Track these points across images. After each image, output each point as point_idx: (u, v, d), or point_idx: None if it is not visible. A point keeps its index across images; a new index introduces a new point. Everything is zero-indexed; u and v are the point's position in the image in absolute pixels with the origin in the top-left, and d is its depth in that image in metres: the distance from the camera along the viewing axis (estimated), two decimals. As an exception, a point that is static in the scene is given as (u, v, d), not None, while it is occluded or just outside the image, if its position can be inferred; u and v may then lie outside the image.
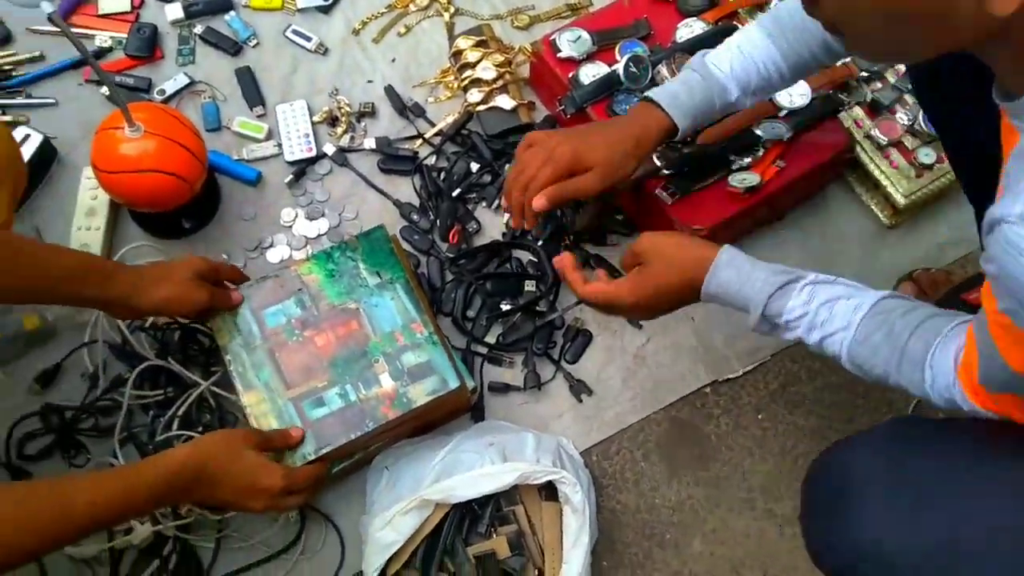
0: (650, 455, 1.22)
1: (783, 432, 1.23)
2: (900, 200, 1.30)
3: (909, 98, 1.33)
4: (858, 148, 1.32)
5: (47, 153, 1.28)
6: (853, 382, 1.26)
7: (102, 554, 1.09)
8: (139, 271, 1.02)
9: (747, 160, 1.23)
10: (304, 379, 1.07)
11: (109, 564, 1.09)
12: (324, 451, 1.03)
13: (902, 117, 1.32)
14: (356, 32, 1.42)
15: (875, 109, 1.33)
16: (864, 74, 1.34)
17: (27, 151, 1.24)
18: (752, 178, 1.21)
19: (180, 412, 1.11)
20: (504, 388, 1.22)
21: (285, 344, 1.08)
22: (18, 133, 1.25)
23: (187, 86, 1.35)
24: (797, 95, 1.28)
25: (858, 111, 1.33)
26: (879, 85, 1.35)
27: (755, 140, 1.25)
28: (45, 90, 1.34)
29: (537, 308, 1.25)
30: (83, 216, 1.25)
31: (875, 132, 1.31)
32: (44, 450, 1.15)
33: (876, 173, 1.32)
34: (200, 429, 1.11)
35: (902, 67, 1.35)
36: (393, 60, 1.40)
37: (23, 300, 0.95)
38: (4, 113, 1.32)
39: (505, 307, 1.24)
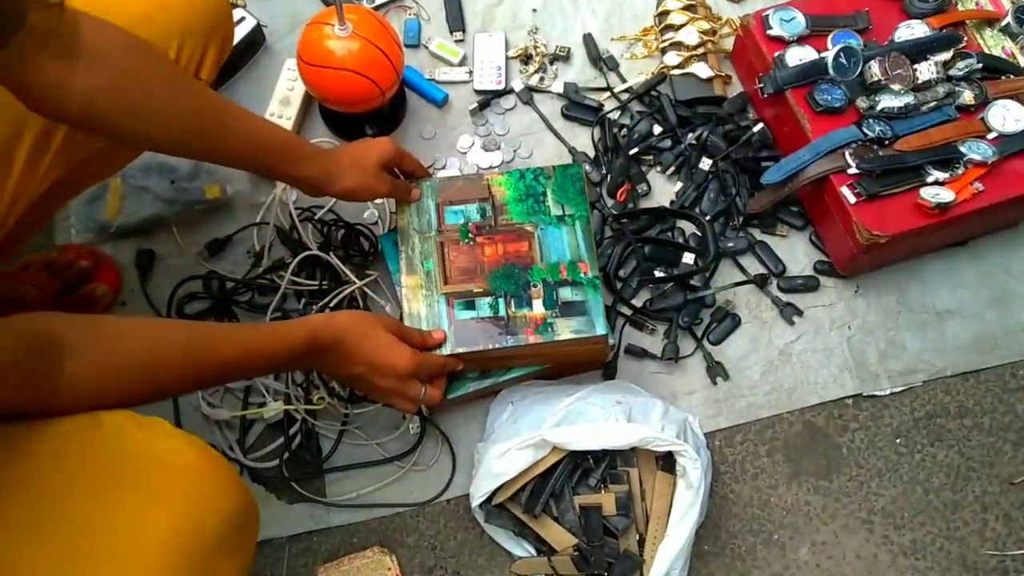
0: (775, 453, 1.18)
1: (919, 462, 1.18)
2: (1102, 251, 1.21)
3: None
4: (1067, 187, 1.23)
5: (257, 37, 1.34)
6: (1005, 428, 1.19)
7: (233, 420, 1.15)
8: (333, 157, 1.04)
9: (944, 175, 1.17)
10: (463, 279, 1.09)
11: (239, 430, 1.15)
12: (459, 351, 1.05)
13: (1123, 164, 1.22)
14: (567, -26, 1.42)
15: (1095, 151, 1.24)
16: (1092, 112, 1.24)
17: (240, 32, 1.30)
18: (946, 195, 1.15)
19: (331, 305, 1.15)
20: (641, 353, 1.21)
21: (456, 243, 1.10)
22: (234, 14, 1.31)
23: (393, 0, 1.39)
24: (1012, 119, 1.20)
25: (1076, 148, 1.24)
26: (1105, 126, 1.25)
27: (957, 156, 1.18)
28: (266, -21, 1.40)
29: (691, 282, 1.23)
30: (277, 104, 1.30)
31: (1090, 174, 1.22)
32: (201, 313, 1.21)
33: (1081, 218, 1.23)
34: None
35: None
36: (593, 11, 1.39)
37: (222, 161, 0.98)
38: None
39: (659, 274, 1.23)
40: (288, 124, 1.29)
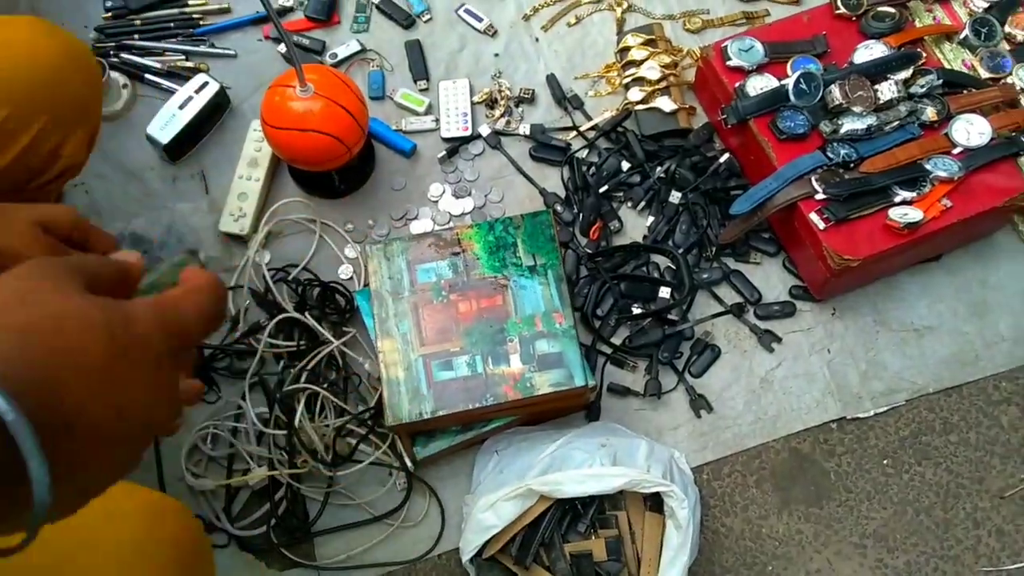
0: (763, 483, 1.18)
1: (908, 482, 1.18)
2: (1074, 258, 1.22)
3: (1099, 150, 1.24)
4: (1035, 197, 1.23)
5: (222, 101, 1.34)
6: (991, 442, 1.20)
7: (219, 489, 1.15)
8: None
9: (911, 195, 1.18)
10: (439, 340, 1.09)
11: (225, 499, 1.14)
12: (440, 413, 1.05)
13: (1090, 168, 1.23)
14: (527, 18, 1.42)
15: (1061, 157, 1.24)
16: (1053, 119, 1.25)
17: (203, 98, 1.31)
18: (915, 214, 1.15)
19: (309, 366, 1.15)
20: (623, 391, 1.21)
21: (430, 302, 1.11)
22: (197, 80, 1.32)
23: (358, 53, 1.39)
24: (976, 133, 1.21)
25: (1040, 157, 1.25)
26: (1069, 132, 1.26)
27: (923, 174, 1.19)
28: (227, 42, 1.41)
29: (669, 316, 1.23)
30: (246, 166, 1.31)
31: (1056, 182, 1.23)
32: (181, 381, 1.20)
33: (1051, 226, 1.24)
34: (325, 385, 1.15)
35: (1098, 117, 1.26)
36: (555, 51, 1.40)
37: None
38: (187, 59, 1.39)
39: (636, 310, 1.23)
40: (257, 185, 1.29)
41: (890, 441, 1.20)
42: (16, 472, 0.37)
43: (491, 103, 1.37)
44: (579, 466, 1.06)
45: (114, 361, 0.42)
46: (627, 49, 1.36)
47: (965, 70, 1.30)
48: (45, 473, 0.38)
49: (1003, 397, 1.22)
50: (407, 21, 1.42)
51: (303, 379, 1.14)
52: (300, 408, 1.11)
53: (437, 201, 1.32)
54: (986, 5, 1.33)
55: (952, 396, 1.22)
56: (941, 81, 1.25)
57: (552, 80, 1.38)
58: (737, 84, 1.26)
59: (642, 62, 1.34)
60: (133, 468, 0.46)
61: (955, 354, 1.24)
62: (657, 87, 1.33)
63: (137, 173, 1.33)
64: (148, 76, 1.38)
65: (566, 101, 1.36)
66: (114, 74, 1.36)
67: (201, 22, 1.41)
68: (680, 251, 1.26)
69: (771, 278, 1.27)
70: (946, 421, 1.21)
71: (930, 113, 1.23)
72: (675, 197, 1.28)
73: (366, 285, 1.16)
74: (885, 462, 1.19)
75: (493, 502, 1.05)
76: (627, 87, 1.35)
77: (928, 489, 1.18)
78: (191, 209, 1.29)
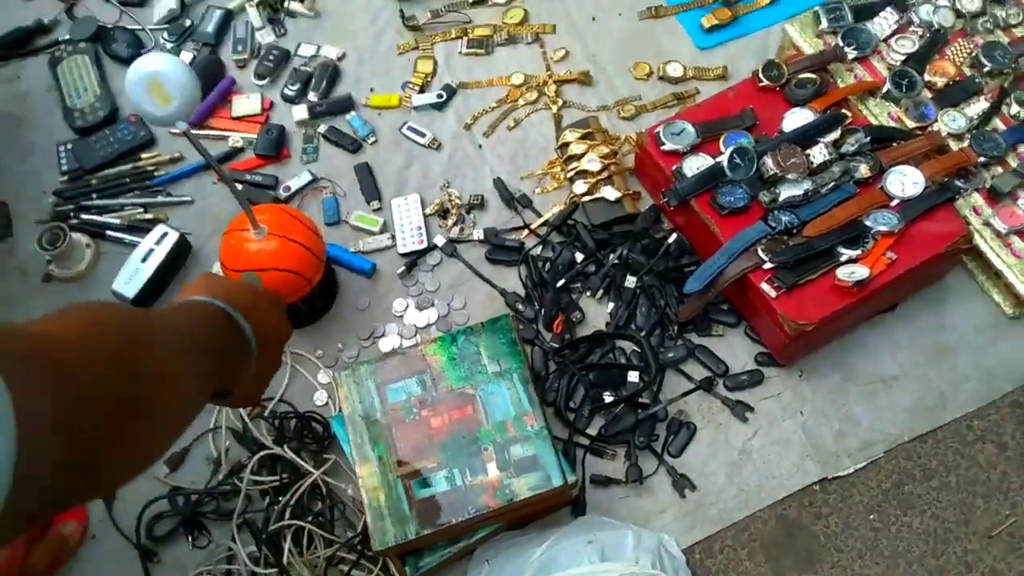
0: (755, 554, 1.19)
1: (896, 534, 1.19)
2: (1023, 291, 1.25)
3: (1032, 183, 1.28)
4: (977, 237, 1.27)
5: (183, 248, 1.38)
6: (972, 483, 1.21)
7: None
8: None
9: (855, 252, 1.21)
10: (415, 458, 1.11)
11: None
12: (425, 532, 1.06)
13: (1024, 203, 1.27)
14: (467, 127, 1.48)
15: (995, 196, 1.28)
16: (982, 159, 1.30)
17: (164, 248, 1.35)
18: (861, 271, 1.19)
19: (292, 501, 1.17)
20: (605, 481, 1.22)
21: (403, 421, 1.13)
22: (157, 231, 1.36)
23: (310, 183, 1.44)
24: (910, 183, 1.25)
25: (977, 198, 1.29)
26: (999, 170, 1.30)
27: (864, 231, 1.22)
28: (183, 189, 1.45)
29: (640, 400, 1.25)
30: (212, 307, 1.34)
31: (995, 220, 1.27)
32: (170, 531, 1.22)
33: (997, 263, 1.27)
34: (309, 518, 1.16)
35: (1024, 151, 1.31)
36: (499, 155, 1.45)
37: None
38: (146, 211, 1.44)
39: (608, 398, 1.25)
40: (226, 325, 1.32)
41: (873, 495, 1.21)
42: (246, 350, 0.81)
43: (443, 213, 1.41)
44: (567, 566, 1.07)
45: (273, 307, 0.89)
46: (566, 144, 1.41)
47: (892, 123, 1.35)
48: (255, 347, 0.82)
49: (977, 436, 1.24)
50: (354, 146, 1.47)
51: (287, 515, 1.16)
52: (287, 545, 1.13)
53: (402, 316, 1.35)
54: (903, 57, 1.38)
55: (928, 442, 1.24)
56: (869, 138, 1.29)
57: (499, 183, 1.42)
58: (674, 167, 1.30)
59: (582, 155, 1.39)
60: (279, 365, 0.92)
61: (923, 399, 1.26)
62: (600, 177, 1.37)
63: (108, 328, 1.36)
64: (109, 232, 1.42)
65: (515, 202, 1.41)
66: (76, 235, 1.40)
67: (156, 173, 1.46)
68: (643, 334, 1.29)
69: (736, 349, 1.30)
70: (925, 467, 1.22)
71: (863, 170, 1.27)
72: (630, 281, 1.32)
73: (341, 410, 1.18)
74: (872, 517, 1.20)
75: (488, 614, 1.06)
76: (571, 181, 1.39)
77: (917, 538, 1.19)
78: (164, 357, 1.32)
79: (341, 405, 1.16)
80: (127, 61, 1.49)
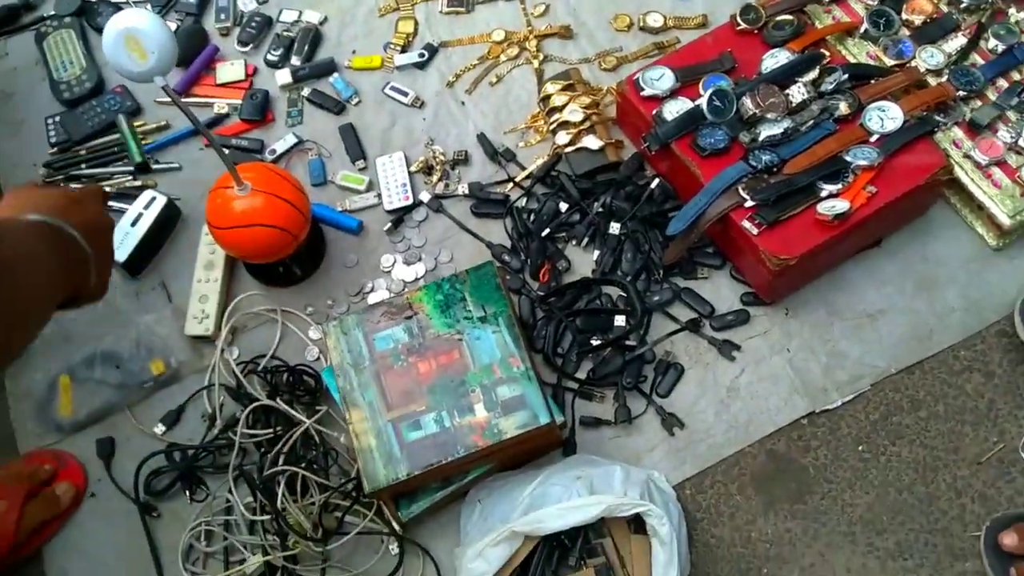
0: (745, 488, 1.20)
1: (885, 464, 1.20)
2: (1005, 221, 1.26)
3: (1011, 115, 1.29)
4: (957, 169, 1.28)
5: (172, 213, 1.40)
6: (960, 411, 1.22)
7: (219, 582, 1.17)
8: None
9: (836, 187, 1.22)
10: (404, 402, 1.12)
11: (225, 592, 1.17)
12: (416, 472, 1.08)
13: (1004, 135, 1.27)
14: (450, 85, 1.49)
15: (974, 128, 1.29)
16: (961, 93, 1.30)
17: (153, 213, 1.36)
18: (841, 205, 1.19)
19: (285, 449, 1.19)
20: (595, 422, 1.24)
21: (391, 368, 1.14)
22: (144, 196, 1.38)
23: (296, 145, 1.45)
24: (889, 119, 1.26)
25: (956, 131, 1.29)
26: (978, 103, 1.31)
27: (844, 166, 1.23)
28: (170, 156, 1.47)
29: (627, 343, 1.26)
30: (202, 269, 1.35)
31: (975, 152, 1.27)
32: (168, 486, 1.24)
33: (978, 194, 1.27)
34: (303, 464, 1.18)
35: (1003, 83, 1.31)
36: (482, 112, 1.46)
37: None
38: (135, 178, 1.45)
39: (595, 342, 1.26)
40: (216, 286, 1.34)
41: (862, 427, 1.22)
42: (85, 263, 0.87)
43: (428, 170, 1.42)
44: (557, 501, 1.08)
45: (86, 203, 0.92)
46: (548, 97, 1.42)
47: (870, 61, 1.36)
48: (87, 245, 0.86)
49: (964, 366, 1.25)
50: (337, 108, 1.48)
51: (281, 462, 1.17)
52: (280, 490, 1.14)
53: (390, 271, 1.36)
54: (880, -4, 1.39)
55: (915, 373, 1.25)
56: (847, 76, 1.30)
57: (482, 138, 1.43)
58: (654, 111, 1.31)
59: (564, 107, 1.40)
60: (113, 252, 0.98)
61: (910, 332, 1.27)
62: (582, 127, 1.38)
63: (101, 294, 1.38)
64: (100, 200, 1.43)
65: (499, 156, 1.42)
66: (67, 204, 1.41)
67: (143, 141, 1.47)
68: (628, 279, 1.30)
69: (721, 290, 1.31)
70: (913, 398, 1.23)
71: (843, 107, 1.28)
72: (615, 228, 1.33)
73: (331, 361, 1.19)
74: (860, 448, 1.21)
75: (481, 550, 1.07)
76: (554, 133, 1.40)
77: (906, 467, 1.19)
78: (156, 319, 1.34)
79: (330, 355, 1.17)
80: (112, 34, 1.51)
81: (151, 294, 1.37)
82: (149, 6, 1.58)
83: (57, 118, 1.50)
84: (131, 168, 1.45)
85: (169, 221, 1.40)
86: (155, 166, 1.46)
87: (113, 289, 1.34)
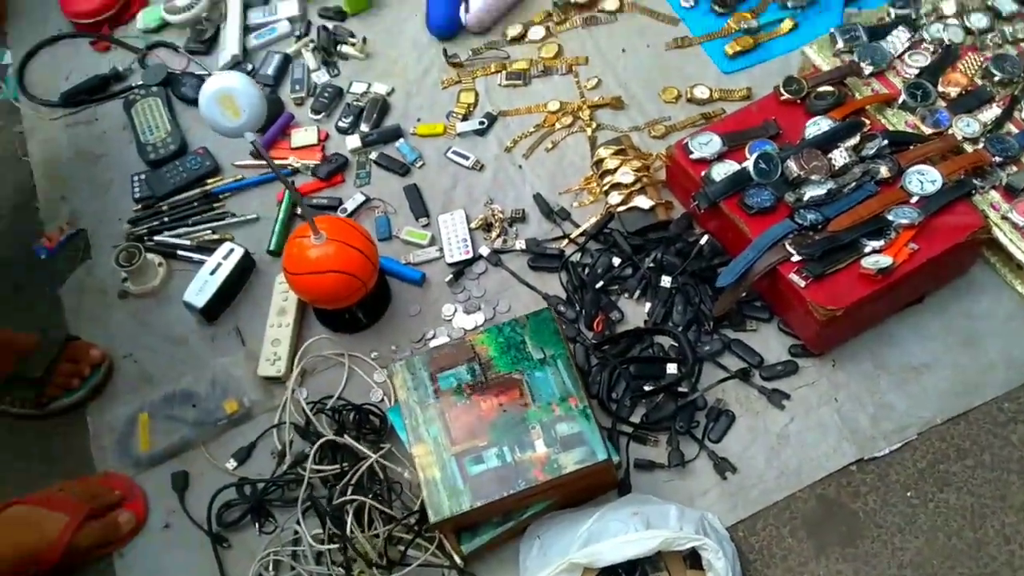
0: (797, 532, 1.23)
1: (933, 510, 1.23)
2: (1044, 279, 1.31)
3: (1047, 180, 1.35)
4: (996, 230, 1.33)
5: (247, 263, 1.49)
6: (1006, 460, 1.25)
7: (285, 612, 1.22)
8: None
9: (879, 243, 1.28)
10: (467, 438, 1.18)
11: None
12: (478, 504, 1.13)
13: (1041, 198, 1.34)
14: (508, 150, 1.59)
15: (1011, 192, 1.35)
16: (997, 159, 1.37)
17: (231, 263, 1.46)
18: (885, 260, 1.25)
19: (352, 480, 1.24)
20: (649, 465, 1.28)
21: (454, 405, 1.20)
22: (224, 248, 1.48)
23: (364, 203, 1.55)
24: (928, 181, 1.33)
25: (994, 194, 1.36)
26: (1014, 169, 1.37)
27: (887, 224, 1.30)
28: (246, 208, 1.57)
29: (679, 390, 1.31)
30: (275, 315, 1.44)
31: (1012, 214, 1.33)
32: (239, 518, 1.29)
33: (1017, 254, 1.33)
34: (370, 496, 1.23)
35: (1037, 150, 1.38)
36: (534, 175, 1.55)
37: None
38: (213, 232, 1.55)
39: (648, 388, 1.32)
40: (288, 330, 1.42)
41: (910, 474, 1.25)
42: None
43: (487, 227, 1.51)
44: (615, 536, 1.12)
45: None
46: (601, 160, 1.50)
47: (909, 129, 1.43)
48: None
49: (1008, 417, 1.28)
50: (403, 170, 1.58)
51: (349, 492, 1.23)
52: (350, 517, 1.19)
53: (451, 320, 1.44)
54: (917, 71, 1.47)
55: (960, 424, 1.28)
56: (887, 142, 1.38)
57: (539, 198, 1.52)
58: (703, 173, 1.39)
59: (616, 169, 1.48)
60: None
61: (955, 385, 1.31)
62: (633, 188, 1.46)
63: (179, 339, 1.46)
64: (180, 252, 1.53)
65: (554, 214, 1.50)
66: (149, 255, 1.51)
67: (221, 197, 1.58)
68: (679, 329, 1.36)
69: (770, 341, 1.36)
70: (959, 447, 1.27)
71: (883, 171, 1.35)
72: (666, 281, 1.40)
73: (396, 400, 1.25)
74: (909, 494, 1.24)
75: (540, 581, 1.11)
76: (606, 193, 1.48)
77: (955, 513, 1.22)
78: (231, 361, 1.42)
79: (396, 393, 1.23)
80: (195, 102, 1.64)
81: (226, 338, 1.46)
82: (230, 77, 1.70)
83: (142, 176, 1.62)
84: (210, 225, 1.56)
85: (245, 270, 1.49)
86: (232, 220, 1.56)
87: (192, 334, 1.44)
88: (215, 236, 1.55)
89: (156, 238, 1.55)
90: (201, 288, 1.44)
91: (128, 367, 1.44)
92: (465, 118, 1.62)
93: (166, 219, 1.58)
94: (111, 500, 1.30)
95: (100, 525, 1.27)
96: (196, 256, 1.52)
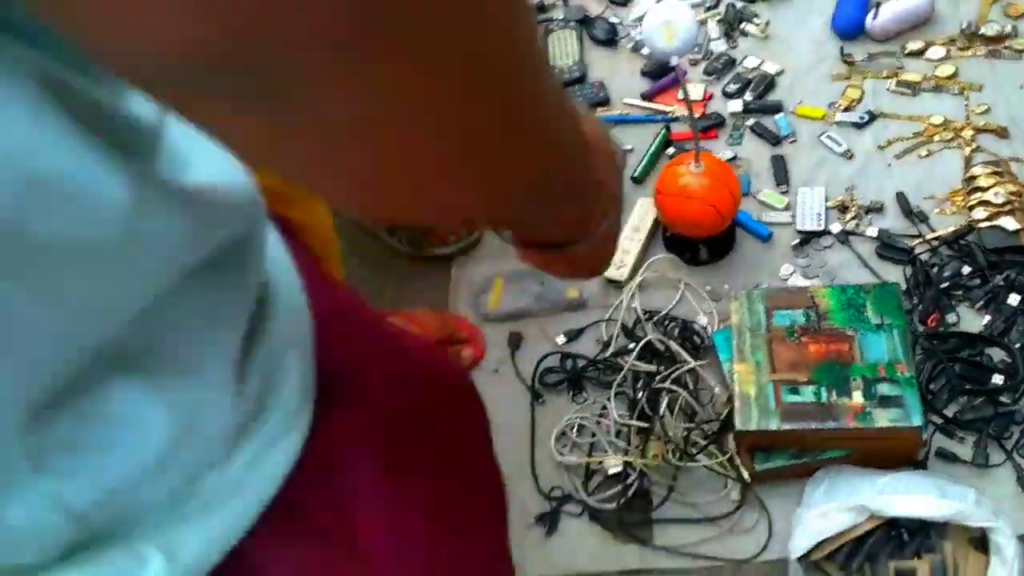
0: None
1: None
2: None
3: None
4: None
5: (616, 182, 1.66)
6: None
7: (579, 467, 1.36)
8: None
9: None
10: (789, 370, 1.27)
11: (584, 475, 1.36)
12: (785, 427, 1.21)
13: None
14: (882, 148, 1.65)
15: None
16: None
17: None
18: None
19: (665, 384, 1.37)
20: (952, 457, 1.30)
21: (783, 340, 1.30)
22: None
23: (731, 160, 1.68)
24: None
25: None
26: None
27: None
28: (622, 139, 1.75)
29: (1001, 399, 1.32)
30: (630, 230, 1.60)
31: None
32: (556, 383, 1.46)
33: None
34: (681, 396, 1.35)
35: None
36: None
37: None
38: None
39: (969, 387, 1.34)
40: (638, 245, 1.58)
41: None
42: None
43: (843, 209, 1.58)
44: (909, 493, 1.17)
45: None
46: (974, 178, 1.53)
47: None
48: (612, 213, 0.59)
49: None
50: (774, 140, 1.69)
51: (664, 382, 1.36)
52: (665, 400, 1.32)
53: (787, 280, 1.53)
54: None
55: None
56: None
57: (901, 196, 1.57)
58: (1086, 211, 1.39)
59: (988, 188, 1.51)
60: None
61: None
62: (1001, 209, 1.48)
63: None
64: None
65: (913, 214, 1.55)
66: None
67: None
68: (1016, 346, 1.36)
69: (1109, 387, 1.34)
70: None
71: None
72: (1014, 299, 1.41)
73: (723, 326, 1.36)
74: None
75: (827, 511, 1.18)
76: (971, 208, 1.51)
77: None
78: (581, 257, 1.59)
79: (732, 317, 1.35)
80: (603, 43, 1.86)
81: (581, 238, 1.63)
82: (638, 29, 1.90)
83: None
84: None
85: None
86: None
87: None
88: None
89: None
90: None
91: (494, 239, 1.65)
92: (847, 110, 1.71)
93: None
94: (460, 337, 1.52)
95: (448, 352, 1.49)
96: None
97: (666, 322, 1.47)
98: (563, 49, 1.89)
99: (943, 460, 1.31)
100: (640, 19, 1.91)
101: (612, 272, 1.55)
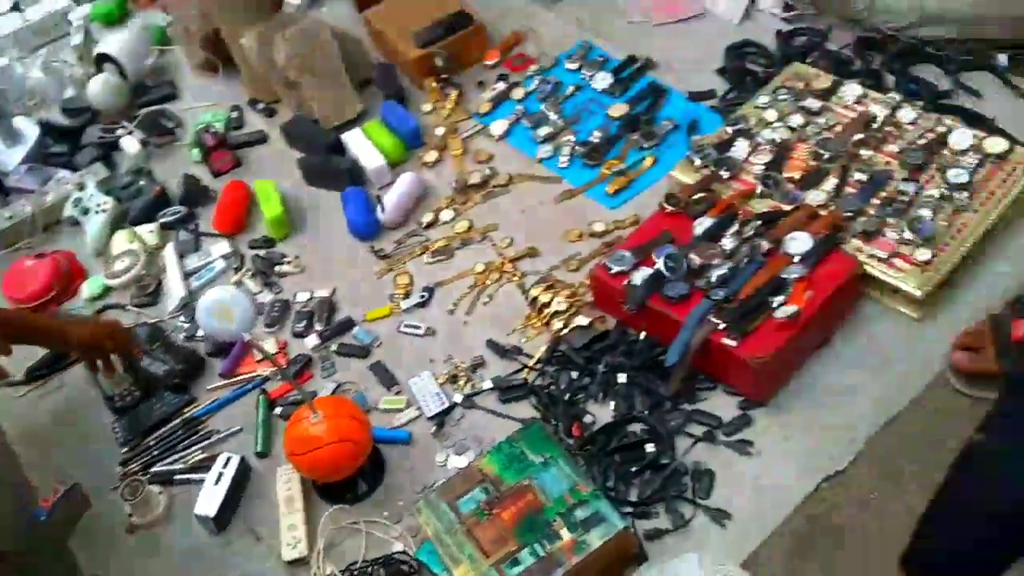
0: (795, 551, 1.39)
1: (899, 499, 1.41)
2: (917, 294, 1.58)
3: (890, 220, 1.66)
4: (867, 266, 1.62)
5: (245, 468, 1.60)
6: (940, 441, 1.46)
7: None
8: None
9: (782, 298, 1.53)
10: (499, 548, 1.30)
11: None
12: None
13: (891, 235, 1.64)
14: (451, 312, 1.79)
15: (867, 236, 1.65)
16: (848, 214, 1.67)
17: (231, 469, 1.57)
18: (791, 308, 1.50)
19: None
20: (657, 533, 1.42)
21: (478, 523, 1.33)
22: (221, 459, 1.59)
23: (337, 389, 1.70)
24: (802, 243, 1.61)
25: (856, 241, 1.65)
26: (863, 218, 1.68)
27: (783, 283, 1.56)
28: (231, 422, 1.70)
29: (661, 463, 1.49)
30: (284, 505, 1.54)
31: (875, 251, 1.62)
32: None
33: (890, 280, 1.61)
34: None
35: (875, 201, 1.69)
36: (464, 322, 1.76)
37: None
38: (203, 452, 1.66)
39: (634, 469, 1.48)
40: (300, 515, 1.52)
41: (868, 478, 1.45)
42: None
43: (453, 379, 1.68)
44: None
45: None
46: (536, 298, 1.73)
47: (771, 210, 1.73)
48: None
49: (933, 408, 1.51)
50: (363, 353, 1.76)
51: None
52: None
53: (444, 464, 1.57)
54: (763, 167, 1.80)
55: (897, 420, 1.50)
56: (760, 222, 1.67)
57: (491, 343, 1.72)
58: (625, 282, 1.63)
59: (551, 301, 1.71)
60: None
61: (881, 395, 1.53)
62: (570, 312, 1.69)
63: (195, 554, 1.54)
64: (177, 477, 1.63)
65: (508, 353, 1.70)
66: (150, 486, 1.60)
67: (203, 420, 1.70)
68: (645, 413, 1.55)
69: (721, 404, 1.56)
70: (905, 443, 1.47)
71: (764, 245, 1.63)
72: (621, 378, 1.60)
73: (426, 536, 1.37)
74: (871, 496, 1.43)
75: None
76: (547, 324, 1.70)
77: (915, 496, 1.40)
78: (252, 557, 1.49)
79: (425, 529, 1.35)
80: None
81: (240, 540, 1.54)
82: (182, 318, 1.87)
83: (120, 422, 1.73)
84: (199, 446, 1.67)
85: (245, 474, 1.60)
86: (217, 436, 1.68)
87: (205, 546, 1.55)
88: (204, 455, 1.66)
89: (151, 470, 1.65)
90: (209, 499, 1.53)
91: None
92: (407, 296, 1.83)
93: (155, 452, 1.68)
94: None
95: None
96: (195, 476, 1.62)
97: (369, 571, 1.43)
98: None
99: (654, 540, 1.42)
100: (180, 307, 1.89)
101: (291, 553, 1.48)
